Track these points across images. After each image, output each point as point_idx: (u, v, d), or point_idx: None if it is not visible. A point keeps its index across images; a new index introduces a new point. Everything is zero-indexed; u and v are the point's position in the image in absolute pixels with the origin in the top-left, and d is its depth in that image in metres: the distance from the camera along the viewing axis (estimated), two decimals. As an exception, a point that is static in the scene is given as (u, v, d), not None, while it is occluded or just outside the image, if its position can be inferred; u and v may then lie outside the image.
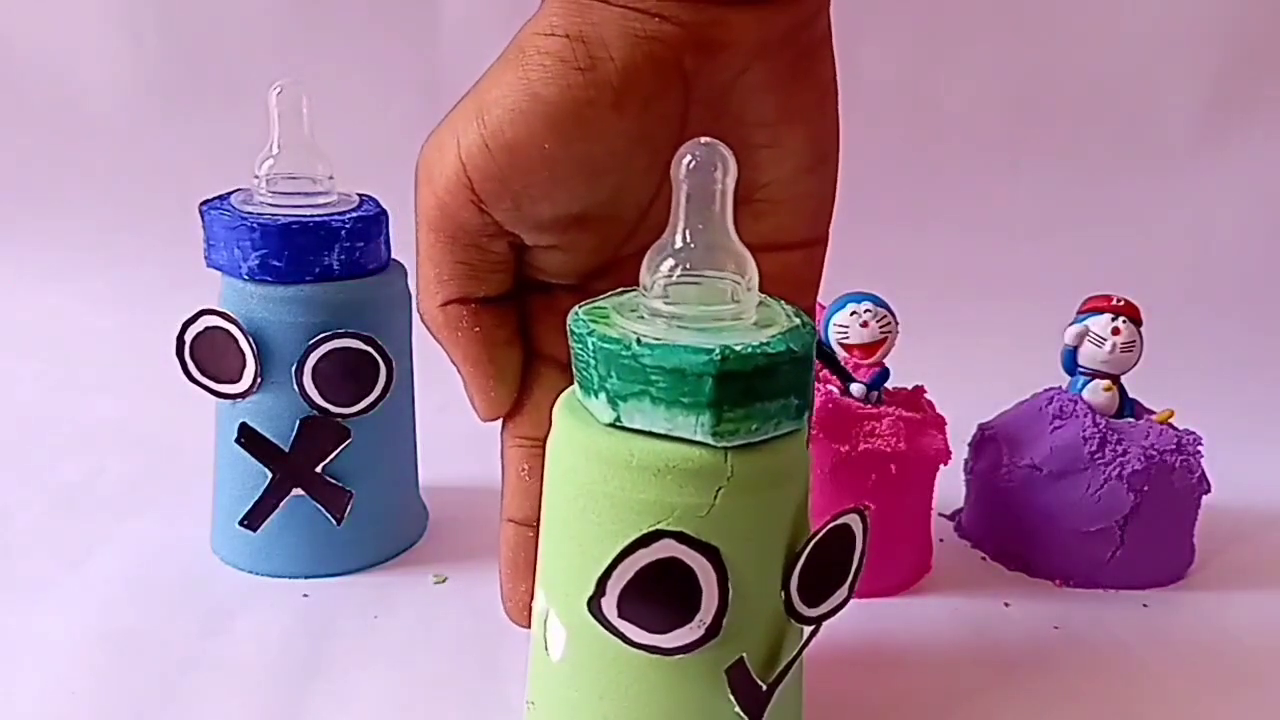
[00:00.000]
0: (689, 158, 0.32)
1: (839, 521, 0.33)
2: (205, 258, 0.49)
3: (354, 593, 0.50)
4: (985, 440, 0.55)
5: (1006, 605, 0.51)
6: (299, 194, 0.49)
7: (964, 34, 1.00)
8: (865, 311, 0.50)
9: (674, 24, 0.33)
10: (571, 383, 0.34)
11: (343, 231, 0.47)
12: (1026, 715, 0.43)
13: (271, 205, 0.48)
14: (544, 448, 0.35)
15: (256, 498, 0.49)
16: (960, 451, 0.55)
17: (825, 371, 0.50)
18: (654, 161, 0.36)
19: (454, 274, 0.37)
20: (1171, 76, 0.99)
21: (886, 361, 0.51)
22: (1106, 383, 0.53)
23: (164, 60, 0.98)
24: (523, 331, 0.40)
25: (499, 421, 0.41)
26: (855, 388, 0.50)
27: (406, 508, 0.55)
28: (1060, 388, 0.54)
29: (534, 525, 0.37)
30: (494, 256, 0.37)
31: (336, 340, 0.48)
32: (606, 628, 0.32)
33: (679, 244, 0.32)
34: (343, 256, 0.48)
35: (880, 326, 0.50)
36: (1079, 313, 0.54)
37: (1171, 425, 0.53)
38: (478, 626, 0.47)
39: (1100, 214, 0.98)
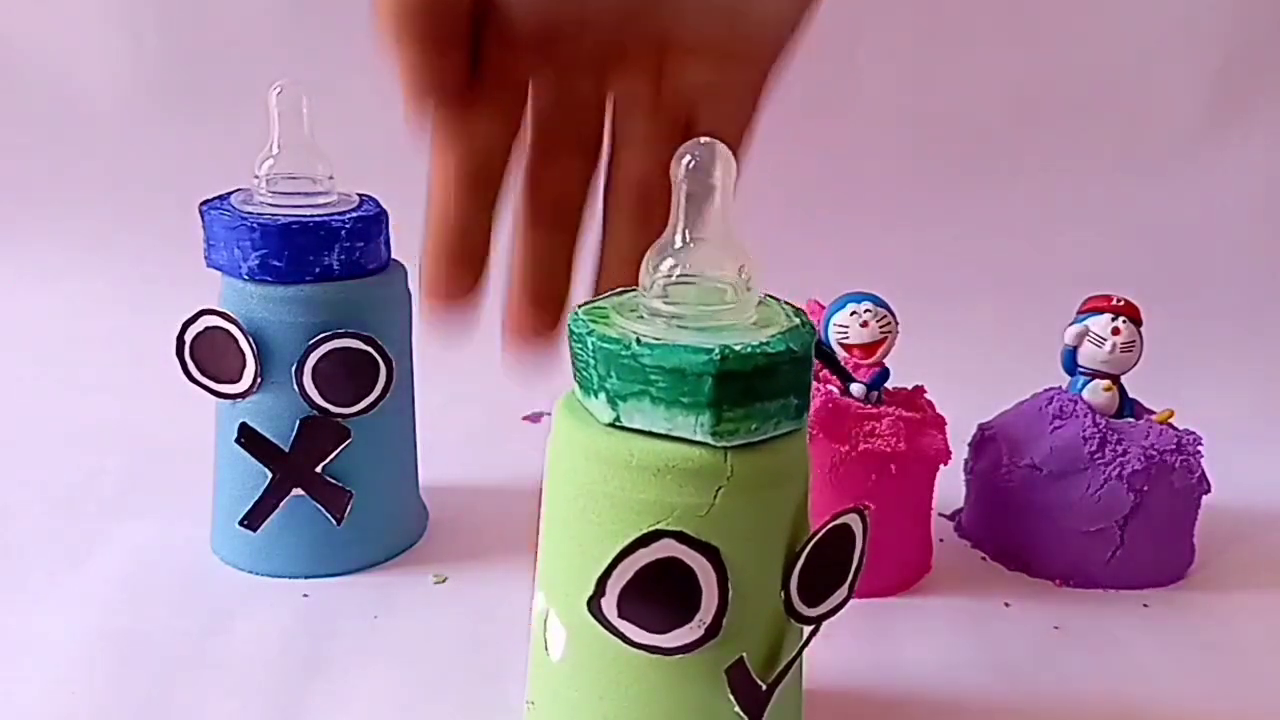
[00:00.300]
0: (688, 157, 0.32)
1: (839, 521, 0.33)
2: (205, 258, 0.49)
3: (354, 593, 0.50)
4: (985, 440, 0.55)
5: (1006, 605, 0.51)
6: (299, 194, 0.49)
7: (964, 34, 1.00)
8: (865, 311, 0.50)
9: None
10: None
11: (343, 231, 0.47)
12: (1026, 715, 0.43)
13: (271, 205, 0.48)
14: None
15: (256, 498, 0.49)
16: (960, 451, 0.55)
17: (825, 371, 0.50)
18: None
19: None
20: (1171, 76, 0.99)
21: (886, 361, 0.51)
22: (1106, 383, 0.53)
23: (164, 60, 0.98)
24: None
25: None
26: (855, 388, 0.50)
27: (406, 508, 0.55)
28: (1060, 388, 0.54)
29: None
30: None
31: (336, 340, 0.48)
32: (606, 628, 0.32)
33: (678, 243, 0.32)
34: (343, 256, 0.48)
35: (880, 326, 0.50)
36: (1079, 313, 0.54)
37: (1171, 425, 0.53)
38: (478, 626, 0.47)
39: (1100, 214, 0.98)
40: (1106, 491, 0.51)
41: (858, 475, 0.48)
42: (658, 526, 0.31)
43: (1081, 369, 0.53)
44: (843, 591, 0.35)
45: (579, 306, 0.34)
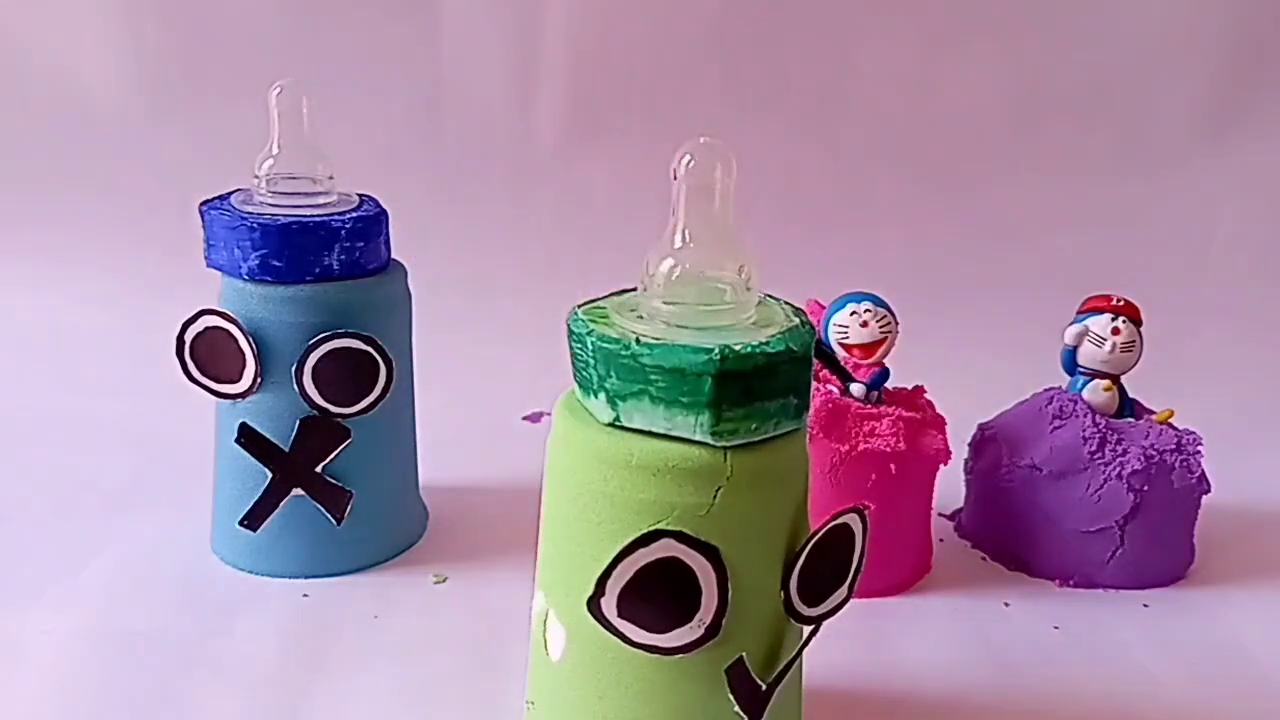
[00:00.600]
0: (688, 157, 0.32)
1: (839, 521, 0.33)
2: (205, 258, 0.49)
3: (354, 593, 0.50)
4: (985, 440, 0.55)
5: (1006, 605, 0.51)
6: (299, 194, 0.49)
7: (964, 35, 1.00)
8: (865, 311, 0.50)
9: None
10: None
11: (343, 231, 0.47)
12: (1026, 715, 0.43)
13: (271, 205, 0.48)
14: None
15: (256, 498, 0.49)
16: (960, 451, 0.55)
17: (825, 371, 0.50)
18: None
19: None
20: (1171, 77, 0.99)
21: (886, 361, 0.51)
22: (1106, 383, 0.53)
23: (164, 60, 0.98)
24: None
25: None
26: (855, 388, 0.50)
27: (406, 508, 0.55)
28: (1060, 388, 0.54)
29: None
30: None
31: (336, 340, 0.48)
32: (606, 628, 0.32)
33: (678, 243, 0.32)
34: (343, 256, 0.48)
35: (880, 326, 0.50)
36: (1079, 313, 0.54)
37: (1171, 425, 0.53)
38: (478, 626, 0.47)
39: (1100, 214, 0.98)
40: (1106, 491, 0.51)
41: (858, 475, 0.48)
42: (657, 526, 0.31)
43: (1081, 369, 0.53)
44: (843, 591, 0.35)
45: (578, 306, 0.34)
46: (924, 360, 0.53)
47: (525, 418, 0.68)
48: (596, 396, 0.32)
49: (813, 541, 0.33)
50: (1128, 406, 0.54)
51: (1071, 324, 0.53)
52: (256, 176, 0.49)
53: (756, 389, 0.30)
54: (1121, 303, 0.53)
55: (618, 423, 0.32)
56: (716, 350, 0.30)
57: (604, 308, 0.33)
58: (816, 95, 1.01)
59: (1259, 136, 0.99)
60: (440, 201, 0.95)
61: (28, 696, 0.42)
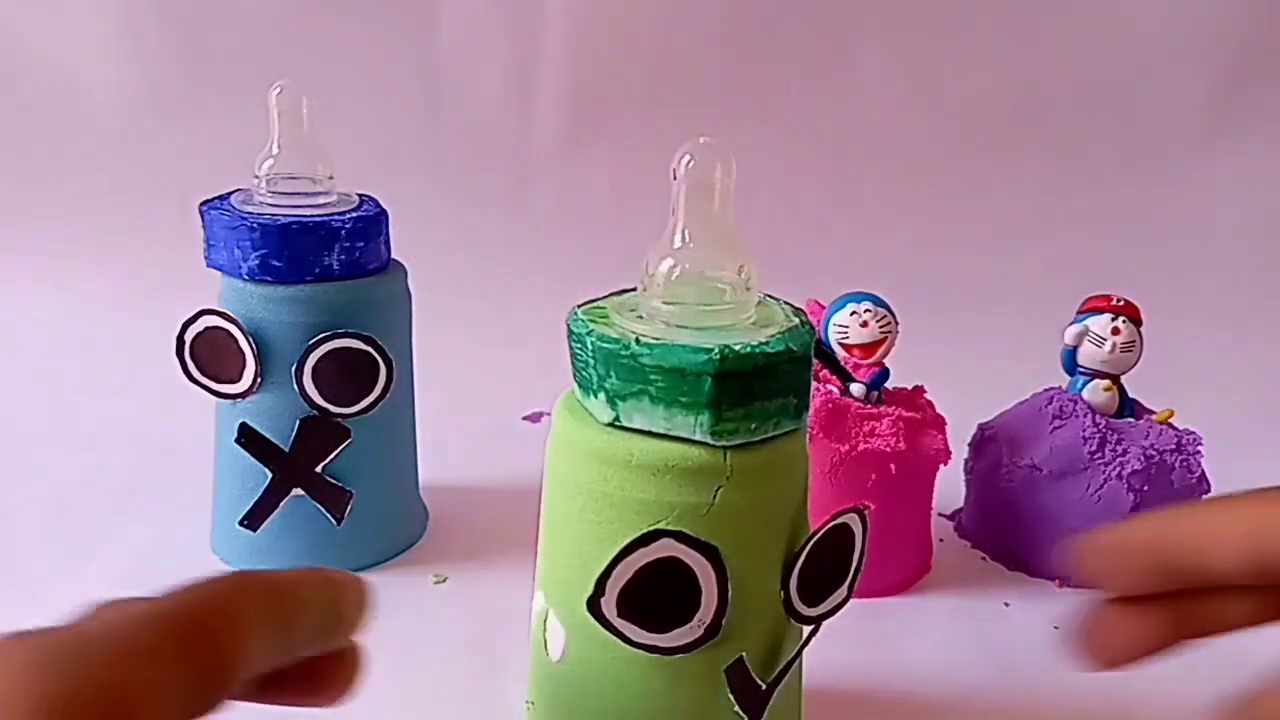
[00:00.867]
0: (688, 157, 0.32)
1: (838, 521, 0.33)
2: (205, 258, 0.49)
3: (354, 593, 0.50)
4: (985, 440, 0.55)
5: (1006, 605, 0.51)
6: (299, 194, 0.49)
7: (965, 35, 1.00)
8: (865, 311, 0.50)
9: None
10: None
11: (343, 231, 0.47)
12: (1026, 715, 0.43)
13: (271, 205, 0.48)
14: None
15: (256, 498, 0.49)
16: (960, 451, 0.55)
17: (825, 371, 0.50)
18: None
19: None
20: (1171, 77, 0.99)
21: (886, 361, 0.51)
22: (1106, 383, 0.53)
23: (164, 60, 0.98)
24: None
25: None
26: (855, 388, 0.50)
27: (406, 508, 0.55)
28: (1060, 388, 0.54)
29: None
30: None
31: (336, 340, 0.48)
32: (606, 628, 0.32)
33: (677, 243, 0.32)
34: (343, 256, 0.48)
35: (880, 326, 0.50)
36: (1079, 313, 0.54)
37: (1171, 425, 0.53)
38: (478, 626, 0.47)
39: (1100, 214, 0.98)
40: (1106, 491, 0.51)
41: (858, 475, 0.48)
42: (657, 526, 0.31)
43: (1081, 369, 0.53)
44: (842, 591, 0.35)
45: (578, 306, 0.34)
46: (924, 360, 0.53)
47: (525, 418, 0.68)
48: (596, 396, 0.32)
49: (813, 541, 0.33)
50: (1128, 406, 0.54)
51: (1071, 324, 0.53)
52: (256, 176, 0.49)
53: (756, 389, 0.30)
54: (1121, 303, 0.53)
55: (617, 423, 0.32)
56: (716, 350, 0.30)
57: (604, 308, 0.33)
58: (816, 95, 1.01)
59: (1259, 136, 0.99)
60: (440, 201, 0.95)
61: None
